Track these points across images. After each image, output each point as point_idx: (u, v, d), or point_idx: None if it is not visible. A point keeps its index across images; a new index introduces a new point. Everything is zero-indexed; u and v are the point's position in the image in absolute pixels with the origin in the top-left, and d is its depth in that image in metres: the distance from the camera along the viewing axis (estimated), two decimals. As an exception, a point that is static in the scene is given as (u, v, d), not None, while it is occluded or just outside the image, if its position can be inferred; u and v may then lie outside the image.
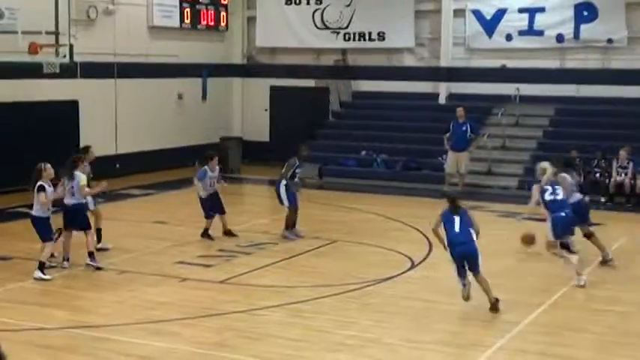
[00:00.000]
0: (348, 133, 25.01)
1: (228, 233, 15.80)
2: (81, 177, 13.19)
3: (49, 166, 12.88)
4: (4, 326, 10.32)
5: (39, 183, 12.73)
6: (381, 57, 26.16)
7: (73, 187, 13.10)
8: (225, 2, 26.88)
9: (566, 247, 13.05)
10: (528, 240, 14.41)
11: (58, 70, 17.54)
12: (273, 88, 27.32)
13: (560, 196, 12.93)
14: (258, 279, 12.96)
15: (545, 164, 13.44)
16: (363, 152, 24.03)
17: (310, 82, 26.82)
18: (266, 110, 27.46)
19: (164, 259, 14.08)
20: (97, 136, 21.75)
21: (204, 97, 26.63)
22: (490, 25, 24.63)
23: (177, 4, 25.08)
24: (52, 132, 19.16)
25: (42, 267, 12.72)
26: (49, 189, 12.78)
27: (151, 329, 10.58)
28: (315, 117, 26.10)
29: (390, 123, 24.73)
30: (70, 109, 21.36)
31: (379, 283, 12.82)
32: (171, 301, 11.76)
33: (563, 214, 12.82)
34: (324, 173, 23.64)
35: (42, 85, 20.10)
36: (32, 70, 18.11)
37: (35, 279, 12.66)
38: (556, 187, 13.01)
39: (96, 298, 11.98)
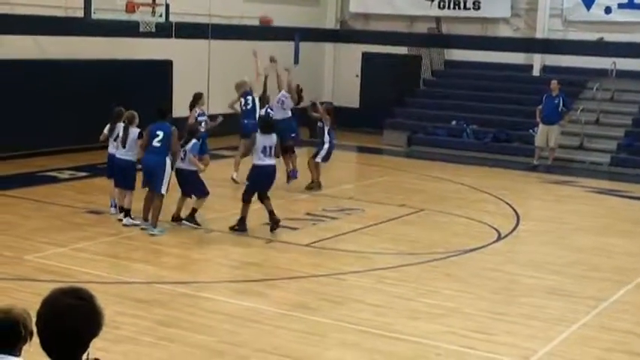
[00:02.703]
0: (438, 102, 24.80)
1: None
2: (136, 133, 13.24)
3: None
4: (98, 279, 10.62)
5: (138, 129, 13.08)
6: (476, 26, 25.80)
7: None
8: (321, -33, 26.83)
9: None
10: None
11: (153, 30, 17.78)
12: (365, 55, 27.23)
13: None
14: (343, 244, 13.02)
15: None
16: (454, 122, 23.82)
17: (403, 50, 26.63)
18: (357, 76, 27.40)
19: (251, 220, 14.22)
20: (189, 96, 22.02)
21: (296, 61, 26.68)
22: (589, -4, 24.05)
23: (273, -33, 25.13)
24: (146, 90, 19.45)
25: (128, 213, 13.23)
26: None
27: (236, 288, 10.75)
28: (406, 85, 25.94)
29: (481, 93, 24.43)
30: (164, 68, 21.66)
31: (464, 253, 12.75)
32: (256, 262, 11.92)
33: None
34: (412, 141, 23.53)
35: (137, 44, 20.42)
36: (128, 29, 18.40)
37: (126, 225, 13.14)
38: None
39: (183, 256, 12.21)
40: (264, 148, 13.15)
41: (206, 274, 11.38)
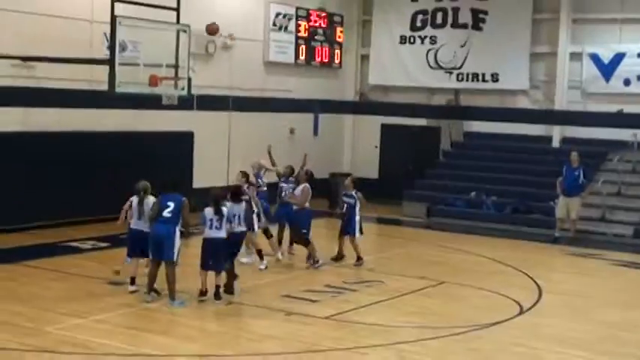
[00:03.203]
0: (458, 174, 24.82)
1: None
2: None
3: None
4: (117, 350, 10.57)
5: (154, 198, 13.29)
6: (494, 98, 25.98)
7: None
8: (340, 40, 27.17)
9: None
10: None
11: (176, 102, 17.97)
12: (384, 126, 27.39)
13: None
14: (363, 316, 12.91)
15: None
16: (473, 193, 23.80)
17: (422, 122, 26.79)
18: (376, 147, 27.51)
19: (270, 292, 14.18)
20: (210, 167, 22.24)
21: (315, 132, 26.90)
22: (608, 69, 24.17)
23: (293, 40, 25.50)
24: (169, 161, 19.62)
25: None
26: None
27: (255, 362, 10.66)
28: (425, 156, 26.03)
29: (501, 165, 24.46)
30: (186, 140, 21.86)
31: (486, 327, 12.60)
32: (275, 335, 11.82)
33: None
34: (432, 213, 23.51)
35: (160, 116, 20.65)
36: (151, 102, 18.63)
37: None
38: None
39: (203, 328, 12.14)
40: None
41: (225, 347, 11.29)
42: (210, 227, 13.18)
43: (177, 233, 13.01)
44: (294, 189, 16.80)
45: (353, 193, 16.77)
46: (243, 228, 13.86)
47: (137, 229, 13.39)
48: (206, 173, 21.81)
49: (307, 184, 16.54)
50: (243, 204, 13.99)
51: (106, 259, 15.96)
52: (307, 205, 16.56)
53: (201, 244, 13.40)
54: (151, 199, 13.32)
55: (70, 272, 14.81)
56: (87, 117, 19.54)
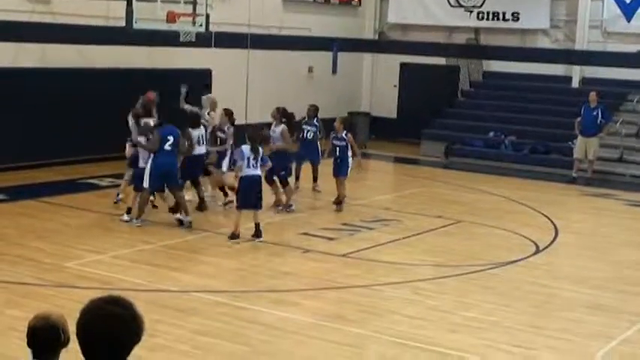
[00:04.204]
0: (476, 114, 24.68)
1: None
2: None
3: None
4: (135, 286, 10.69)
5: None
6: (514, 37, 25.68)
7: None
8: (360, -23, 26.87)
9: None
10: None
11: (193, 39, 17.88)
12: (403, 65, 27.19)
13: None
14: (380, 255, 12.97)
15: None
16: (491, 133, 23.69)
17: (441, 61, 26.56)
18: (395, 86, 27.36)
19: (288, 229, 14.25)
20: (228, 105, 22.07)
21: (334, 71, 26.75)
22: (629, 8, 23.79)
23: (312, -23, 25.23)
24: (186, 99, 19.58)
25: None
26: None
27: (272, 298, 10.75)
28: (444, 95, 25.87)
29: (520, 105, 24.27)
30: (204, 77, 21.77)
31: (502, 266, 12.66)
32: (293, 272, 11.93)
33: None
34: (450, 153, 23.45)
35: (177, 53, 20.57)
36: (169, 38, 18.54)
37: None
38: None
39: (221, 265, 12.24)
40: None
41: (242, 283, 11.40)
42: (248, 165, 13.15)
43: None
44: (315, 131, 16.76)
45: (343, 134, 16.09)
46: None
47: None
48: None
49: (284, 126, 15.93)
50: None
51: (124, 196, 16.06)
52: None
53: (238, 183, 13.37)
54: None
55: (89, 209, 14.92)
56: (104, 53, 19.48)
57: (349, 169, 16.11)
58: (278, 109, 16.29)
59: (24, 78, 18.05)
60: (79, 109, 18.77)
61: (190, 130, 14.75)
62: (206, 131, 15.28)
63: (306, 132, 17.08)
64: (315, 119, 17.14)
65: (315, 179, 17.25)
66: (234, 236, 13.17)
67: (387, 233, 14.43)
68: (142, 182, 13.77)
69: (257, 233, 13.26)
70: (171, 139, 13.78)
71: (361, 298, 10.83)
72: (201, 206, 15.15)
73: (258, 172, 13.27)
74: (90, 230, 13.60)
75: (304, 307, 10.41)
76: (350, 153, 16.06)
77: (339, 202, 15.99)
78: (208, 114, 16.49)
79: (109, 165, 18.16)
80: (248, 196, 13.18)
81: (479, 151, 23.12)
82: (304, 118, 17.30)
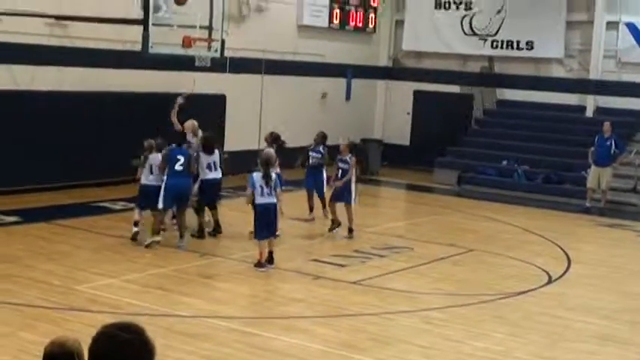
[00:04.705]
0: (489, 142, 24.69)
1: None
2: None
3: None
4: (145, 310, 10.69)
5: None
6: (529, 66, 25.74)
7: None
8: (375, 4, 26.98)
9: None
10: None
11: (209, 64, 17.93)
12: (416, 92, 27.25)
13: None
14: (391, 282, 12.94)
15: None
16: (504, 162, 23.67)
17: (455, 88, 26.63)
18: (408, 114, 27.40)
19: (299, 256, 14.25)
20: (242, 130, 22.27)
21: (347, 97, 26.84)
22: (644, 38, 23.87)
23: (327, 4, 25.35)
24: (200, 123, 19.63)
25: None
26: None
27: (283, 325, 10.73)
28: (457, 123, 25.89)
29: (533, 134, 24.28)
30: (218, 102, 21.89)
31: (514, 296, 12.60)
32: (304, 299, 11.91)
33: None
34: (463, 180, 23.43)
35: (192, 78, 20.64)
36: (184, 63, 18.63)
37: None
38: None
39: (231, 290, 12.23)
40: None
41: (254, 309, 11.39)
42: (262, 193, 13.03)
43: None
44: (320, 158, 16.70)
45: (347, 157, 15.98)
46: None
47: (147, 184, 14.27)
48: (238, 136, 21.86)
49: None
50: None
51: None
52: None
53: (253, 213, 13.34)
54: (156, 156, 14.25)
55: (101, 232, 14.95)
56: (119, 77, 19.61)
57: (352, 195, 15.84)
58: (271, 133, 16.34)
59: (40, 100, 18.16)
60: (93, 133, 18.86)
61: (203, 154, 14.82)
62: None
63: (311, 159, 17.03)
64: (322, 146, 17.05)
65: (323, 206, 17.10)
66: (259, 264, 13.11)
67: (399, 261, 14.41)
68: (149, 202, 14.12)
69: (270, 260, 13.22)
70: (181, 159, 14.07)
71: (372, 326, 10.80)
72: (216, 231, 15.20)
73: (272, 199, 13.18)
74: (101, 253, 13.62)
75: (315, 335, 10.38)
76: (353, 178, 15.95)
77: (350, 229, 15.93)
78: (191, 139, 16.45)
79: (122, 189, 18.22)
80: (263, 224, 13.14)
81: (492, 179, 23.09)
82: (311, 144, 17.26)
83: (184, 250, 14.01)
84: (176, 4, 16.33)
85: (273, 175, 13.16)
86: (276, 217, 13.28)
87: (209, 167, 14.94)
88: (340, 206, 15.92)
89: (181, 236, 14.20)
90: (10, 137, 17.62)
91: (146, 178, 14.36)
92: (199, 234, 14.95)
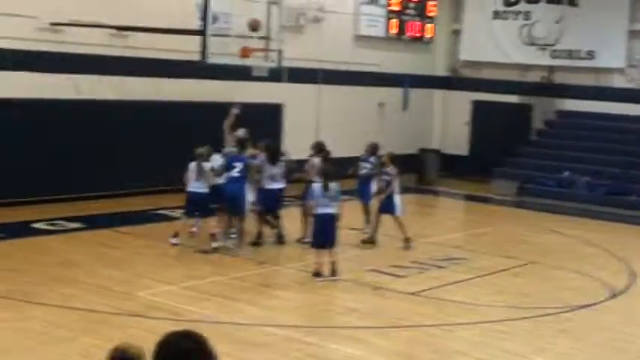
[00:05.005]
0: (550, 153, 24.37)
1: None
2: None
3: None
4: (204, 317, 10.71)
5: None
6: (589, 76, 25.36)
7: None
8: (432, 14, 26.86)
9: None
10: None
11: (267, 74, 18.00)
12: (475, 102, 27.04)
13: None
14: (450, 294, 12.81)
15: None
16: (565, 173, 23.34)
17: (513, 98, 26.36)
18: (466, 124, 27.19)
19: (357, 266, 14.18)
20: (299, 139, 22.21)
21: (404, 107, 26.74)
22: None
23: (384, 14, 25.31)
24: (258, 133, 19.72)
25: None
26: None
27: (342, 335, 10.68)
28: (517, 134, 25.61)
29: (594, 144, 23.91)
30: (275, 112, 21.95)
31: (576, 309, 12.38)
32: (362, 309, 11.84)
33: None
34: (522, 191, 23.15)
35: (250, 88, 20.76)
36: (241, 73, 18.72)
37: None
38: None
39: (289, 298, 12.22)
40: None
41: (313, 318, 11.35)
42: (321, 204, 13.04)
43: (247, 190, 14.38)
44: (370, 168, 16.59)
45: (389, 169, 15.90)
46: None
47: (194, 191, 14.42)
48: (294, 146, 21.85)
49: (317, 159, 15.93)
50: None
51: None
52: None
53: (313, 222, 13.33)
54: (207, 164, 14.42)
55: (160, 239, 15.04)
56: (179, 87, 19.79)
57: (397, 205, 15.76)
58: (317, 143, 16.47)
59: (102, 110, 18.40)
60: (153, 141, 19.04)
61: (268, 165, 14.99)
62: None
63: (361, 169, 16.92)
64: (373, 157, 16.90)
65: (366, 216, 16.93)
66: (317, 274, 13.07)
67: (458, 272, 14.26)
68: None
69: (332, 272, 13.14)
70: (237, 165, 14.33)
71: (431, 338, 10.69)
72: (280, 240, 15.30)
73: (331, 209, 13.13)
74: (161, 260, 13.73)
75: (374, 345, 10.30)
76: (397, 189, 15.85)
77: (406, 239, 15.83)
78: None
79: (181, 196, 18.31)
80: (321, 234, 13.09)
81: (552, 190, 22.79)
82: (362, 154, 17.17)
83: (235, 255, 14.11)
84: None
85: (333, 186, 13.10)
86: (335, 228, 13.22)
87: (272, 177, 15.02)
88: (390, 218, 15.81)
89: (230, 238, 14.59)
90: (73, 145, 17.89)
91: (194, 185, 14.46)
92: (279, 239, 15.24)
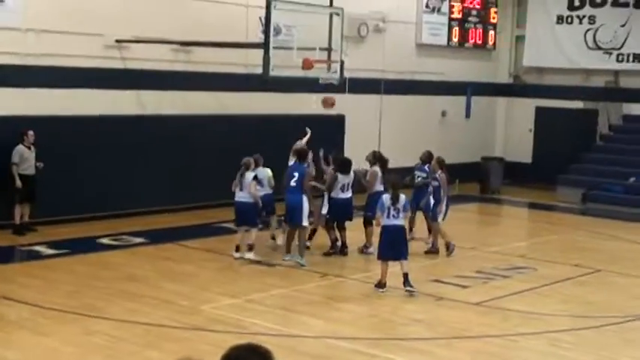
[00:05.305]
0: (616, 158, 23.99)
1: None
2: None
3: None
4: (268, 330, 10.79)
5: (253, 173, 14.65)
6: (656, 80, 24.93)
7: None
8: (494, 21, 26.68)
9: None
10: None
11: (336, 83, 18.00)
12: (538, 109, 26.75)
13: None
14: (515, 304, 12.67)
15: None
16: (632, 179, 22.94)
17: (578, 104, 26.01)
18: (530, 130, 26.91)
19: (420, 276, 14.11)
20: (361, 150, 22.19)
21: (467, 115, 26.58)
22: None
23: (446, 22, 25.22)
24: (320, 144, 19.82)
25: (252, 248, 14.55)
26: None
27: (405, 346, 10.66)
28: (581, 140, 25.26)
29: (662, 149, 23.49)
30: (337, 123, 22.01)
31: (644, 318, 12.18)
32: (426, 319, 11.80)
33: None
34: (588, 198, 22.82)
35: (311, 100, 20.83)
36: (304, 85, 18.82)
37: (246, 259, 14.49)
38: None
39: (352, 310, 12.22)
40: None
41: (376, 330, 11.34)
42: (388, 215, 12.94)
43: (305, 200, 14.35)
44: (426, 177, 16.52)
45: (437, 175, 15.89)
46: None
47: (238, 200, 14.64)
48: (357, 156, 21.86)
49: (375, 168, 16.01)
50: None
51: (257, 240, 16.31)
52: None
53: (381, 234, 13.24)
54: (250, 174, 14.58)
55: (223, 252, 15.18)
56: (242, 100, 19.98)
57: (441, 213, 15.74)
58: (374, 152, 16.52)
59: (166, 124, 18.67)
60: (216, 155, 19.23)
61: (340, 175, 15.29)
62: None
63: (416, 177, 16.86)
64: (428, 165, 16.80)
65: (428, 227, 16.80)
66: (380, 285, 13.04)
67: (522, 282, 14.12)
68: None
69: (405, 282, 12.99)
70: (295, 175, 14.49)
71: (495, 349, 10.61)
72: (343, 251, 15.43)
73: (399, 221, 13.07)
74: (224, 273, 13.86)
75: (437, 357, 10.27)
76: (445, 194, 15.84)
77: (447, 246, 15.75)
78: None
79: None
80: (388, 246, 13.05)
81: (618, 197, 22.42)
82: (418, 163, 17.09)
83: (289, 265, 14.32)
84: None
85: (402, 198, 13.08)
86: (404, 239, 13.19)
87: (342, 188, 15.22)
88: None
89: (288, 251, 14.70)
90: (137, 160, 18.16)
91: (238, 195, 14.67)
92: (338, 250, 15.36)
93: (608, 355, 10.49)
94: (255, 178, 14.72)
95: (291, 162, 15.13)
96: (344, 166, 15.50)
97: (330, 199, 15.41)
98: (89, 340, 10.30)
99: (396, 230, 12.94)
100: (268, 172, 15.37)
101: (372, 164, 15.96)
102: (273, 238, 15.90)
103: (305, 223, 14.51)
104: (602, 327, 11.64)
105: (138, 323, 10.92)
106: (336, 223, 15.47)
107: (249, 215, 14.62)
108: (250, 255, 14.55)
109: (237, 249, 14.74)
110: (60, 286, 12.69)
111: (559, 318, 12.06)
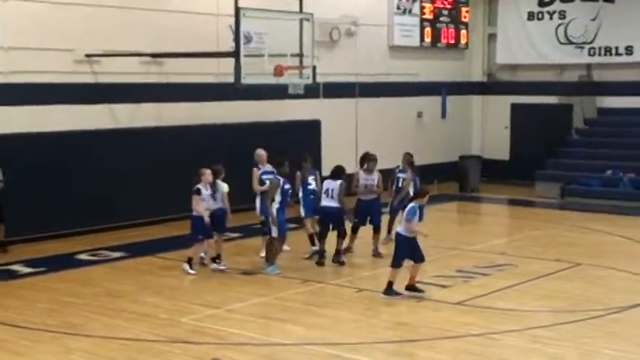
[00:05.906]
0: (592, 152, 24.10)
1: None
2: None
3: (208, 171, 14.68)
4: (249, 340, 10.71)
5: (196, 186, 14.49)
6: (629, 72, 25.03)
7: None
8: (466, 20, 26.75)
9: None
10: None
11: (302, 91, 18.02)
12: (514, 106, 26.83)
13: None
14: (496, 302, 12.67)
15: None
16: (609, 171, 23.04)
17: (553, 99, 26.11)
18: (506, 128, 26.99)
19: (401, 278, 14.05)
20: (338, 154, 22.20)
21: (443, 115, 26.61)
22: None
23: (418, 23, 25.26)
24: (296, 150, 19.75)
25: (190, 261, 14.37)
26: (205, 192, 14.51)
27: (387, 350, 10.61)
28: (558, 135, 25.34)
29: (637, 140, 23.58)
30: (313, 128, 21.98)
31: (626, 310, 12.18)
32: (407, 322, 11.76)
33: None
34: (566, 193, 22.89)
35: (285, 106, 20.82)
36: (277, 92, 18.79)
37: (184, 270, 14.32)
38: None
39: (334, 316, 12.15)
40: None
41: (357, 334, 11.29)
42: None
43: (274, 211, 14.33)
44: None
45: (403, 168, 16.27)
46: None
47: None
48: (334, 161, 21.82)
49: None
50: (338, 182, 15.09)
51: (238, 249, 16.28)
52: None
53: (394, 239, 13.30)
54: (221, 183, 14.74)
55: (203, 263, 15.08)
56: (215, 110, 19.91)
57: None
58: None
59: (140, 137, 18.57)
60: (192, 165, 19.10)
61: (343, 182, 15.20)
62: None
63: (398, 180, 16.82)
64: (408, 166, 16.80)
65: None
66: (387, 292, 12.94)
67: (503, 279, 14.11)
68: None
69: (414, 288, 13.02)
70: (287, 187, 14.61)
71: (477, 348, 10.57)
72: (338, 261, 15.30)
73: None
74: (205, 285, 13.77)
75: (421, 358, 10.23)
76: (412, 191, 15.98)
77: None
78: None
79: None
80: (405, 254, 12.95)
81: (596, 190, 22.50)
82: (398, 166, 17.08)
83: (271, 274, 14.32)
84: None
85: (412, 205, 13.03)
86: (416, 244, 13.07)
87: (326, 193, 15.12)
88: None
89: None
90: (112, 174, 18.04)
91: (209, 204, 14.63)
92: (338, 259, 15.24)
93: (589, 349, 10.48)
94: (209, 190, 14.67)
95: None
96: (334, 172, 15.37)
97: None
98: (68, 358, 10.19)
99: (409, 237, 12.92)
100: (225, 186, 15.09)
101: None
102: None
103: (275, 233, 14.39)
104: (583, 321, 11.64)
105: (117, 339, 10.82)
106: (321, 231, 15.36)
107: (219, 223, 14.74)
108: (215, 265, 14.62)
109: (214, 260, 14.66)
110: (38, 304, 12.57)
111: (540, 314, 12.05)
